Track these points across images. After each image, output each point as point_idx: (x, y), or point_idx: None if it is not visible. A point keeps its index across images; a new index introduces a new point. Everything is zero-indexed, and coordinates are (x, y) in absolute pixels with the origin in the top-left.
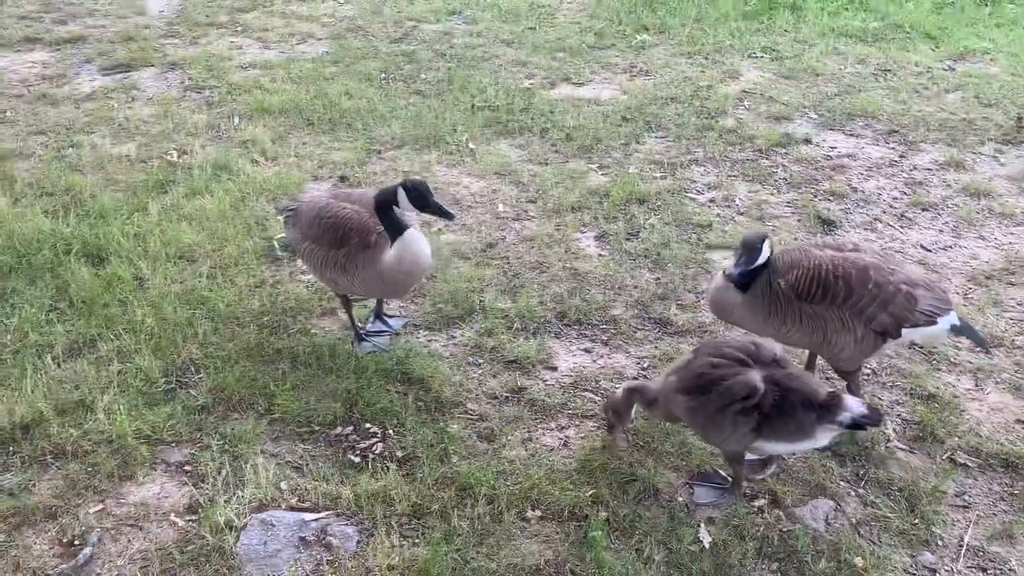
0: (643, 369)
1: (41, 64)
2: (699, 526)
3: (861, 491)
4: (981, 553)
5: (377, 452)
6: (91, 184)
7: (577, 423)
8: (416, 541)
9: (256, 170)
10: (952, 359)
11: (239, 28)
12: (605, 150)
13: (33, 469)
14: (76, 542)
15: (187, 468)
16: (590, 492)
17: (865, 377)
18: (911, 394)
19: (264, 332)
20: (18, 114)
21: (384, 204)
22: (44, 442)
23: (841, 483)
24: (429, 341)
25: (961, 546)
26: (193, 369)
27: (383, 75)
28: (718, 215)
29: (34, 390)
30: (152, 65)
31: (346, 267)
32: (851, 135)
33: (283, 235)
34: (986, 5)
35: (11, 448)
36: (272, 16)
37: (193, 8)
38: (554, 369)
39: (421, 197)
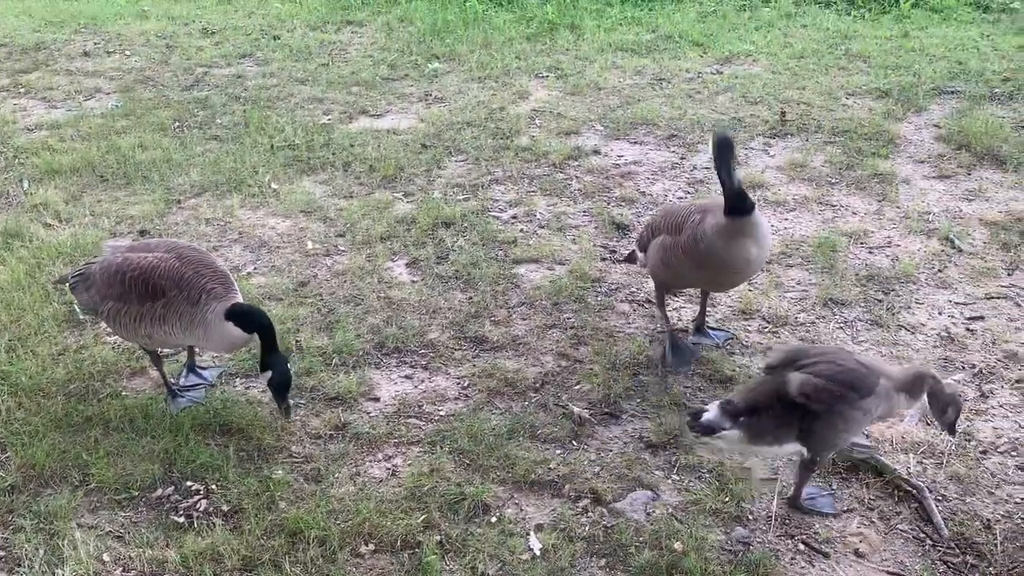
0: (463, 388)
1: None
2: (528, 535)
3: (675, 478)
4: (788, 521)
5: (201, 509)
6: None
7: (404, 450)
8: None
9: (50, 234)
10: (744, 341)
11: (22, 89)
12: (408, 178)
13: None
14: None
15: (0, 554)
16: (421, 518)
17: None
18: (710, 379)
19: (72, 401)
20: None
21: None
22: None
23: (656, 473)
24: (247, 388)
25: (770, 517)
26: None
27: (176, 123)
28: (521, 230)
29: None
30: None
31: (165, 317)
32: (636, 143)
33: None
34: (745, 10)
35: None
36: (56, 74)
37: None
38: (376, 400)
39: None
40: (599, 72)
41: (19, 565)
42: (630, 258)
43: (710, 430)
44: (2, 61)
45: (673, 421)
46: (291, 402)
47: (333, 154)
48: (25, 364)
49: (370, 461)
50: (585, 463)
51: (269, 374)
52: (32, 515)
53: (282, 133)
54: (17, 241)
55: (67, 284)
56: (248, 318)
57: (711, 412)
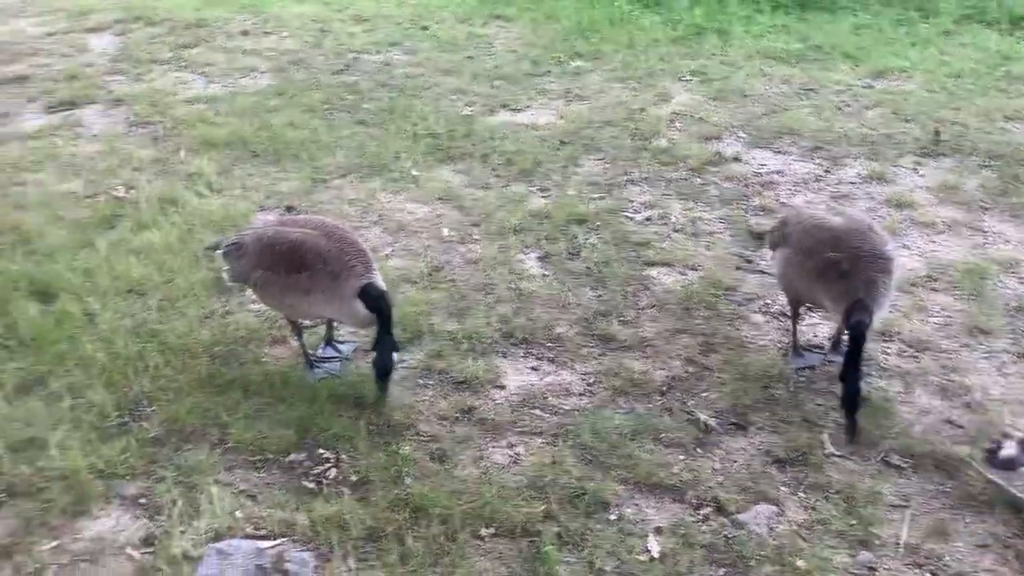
0: (589, 385)
1: None
2: (647, 536)
3: (801, 495)
4: (917, 550)
5: (331, 477)
6: (37, 222)
7: (526, 440)
8: (372, 564)
9: (202, 202)
10: (882, 364)
11: (183, 64)
12: (545, 173)
13: None
14: None
15: (142, 501)
16: (541, 508)
17: (800, 383)
18: None
19: (216, 362)
20: None
21: None
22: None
23: (782, 488)
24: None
25: (898, 544)
26: (146, 402)
27: (325, 106)
28: (655, 233)
29: None
30: (96, 102)
31: (309, 289)
32: (778, 152)
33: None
34: (902, 25)
35: None
36: (215, 51)
37: (136, 46)
38: (502, 388)
39: None
40: (745, 79)
41: (159, 513)
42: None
43: (1010, 465)
44: (166, 36)
45: (803, 438)
46: (389, 385)
47: (472, 145)
48: (174, 324)
49: (493, 447)
50: (708, 471)
51: (375, 355)
52: (173, 467)
53: (425, 121)
54: (172, 207)
55: (220, 251)
56: (370, 298)
57: (1011, 448)
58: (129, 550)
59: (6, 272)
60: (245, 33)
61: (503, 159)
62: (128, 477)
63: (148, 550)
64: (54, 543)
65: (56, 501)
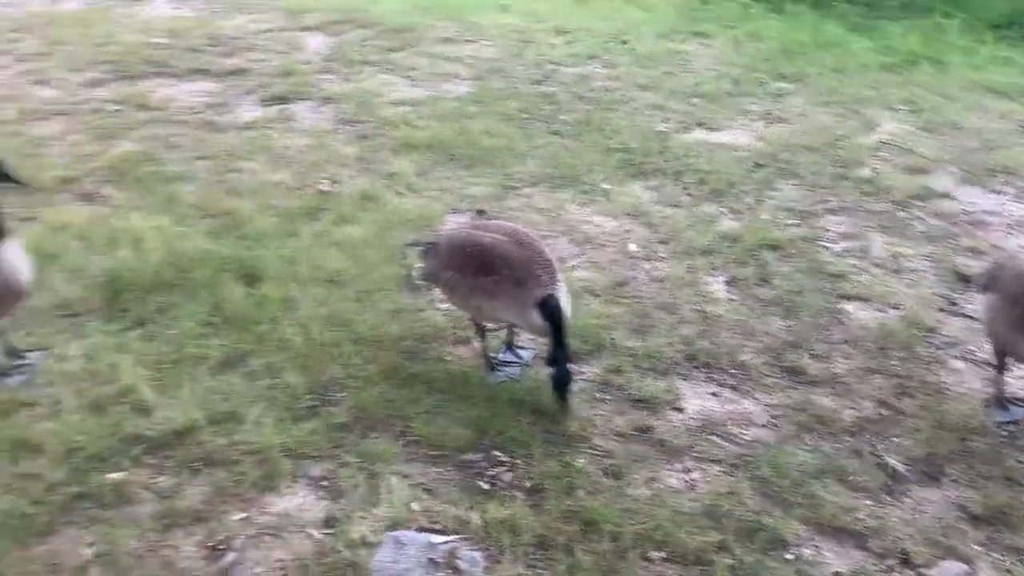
0: (772, 417)
1: (206, 94)
2: None
3: (996, 556)
4: None
5: (505, 480)
6: (249, 208)
7: (703, 466)
8: (541, 572)
9: (401, 201)
10: None
11: (390, 66)
12: (737, 195)
13: (184, 474)
14: (221, 547)
15: (326, 483)
16: (715, 538)
17: (1002, 437)
18: None
19: (403, 356)
20: (184, 139)
21: None
22: (196, 449)
23: (975, 547)
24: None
25: None
26: (336, 388)
27: (522, 115)
28: (852, 265)
29: (189, 399)
30: (308, 99)
31: (494, 293)
32: (993, 191)
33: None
34: None
35: (166, 453)
36: (420, 56)
37: (347, 47)
38: (681, 411)
39: None
40: (960, 111)
41: (341, 496)
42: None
43: None
44: (375, 39)
45: (1002, 495)
46: (568, 397)
47: (665, 162)
48: (367, 316)
49: (668, 469)
50: (896, 520)
51: (551, 370)
52: (357, 454)
53: (619, 136)
54: (372, 204)
55: (418, 248)
56: (546, 309)
57: None
58: (311, 529)
59: (218, 254)
60: (448, 40)
61: (696, 178)
62: (315, 458)
63: (328, 531)
64: (243, 514)
65: (248, 474)
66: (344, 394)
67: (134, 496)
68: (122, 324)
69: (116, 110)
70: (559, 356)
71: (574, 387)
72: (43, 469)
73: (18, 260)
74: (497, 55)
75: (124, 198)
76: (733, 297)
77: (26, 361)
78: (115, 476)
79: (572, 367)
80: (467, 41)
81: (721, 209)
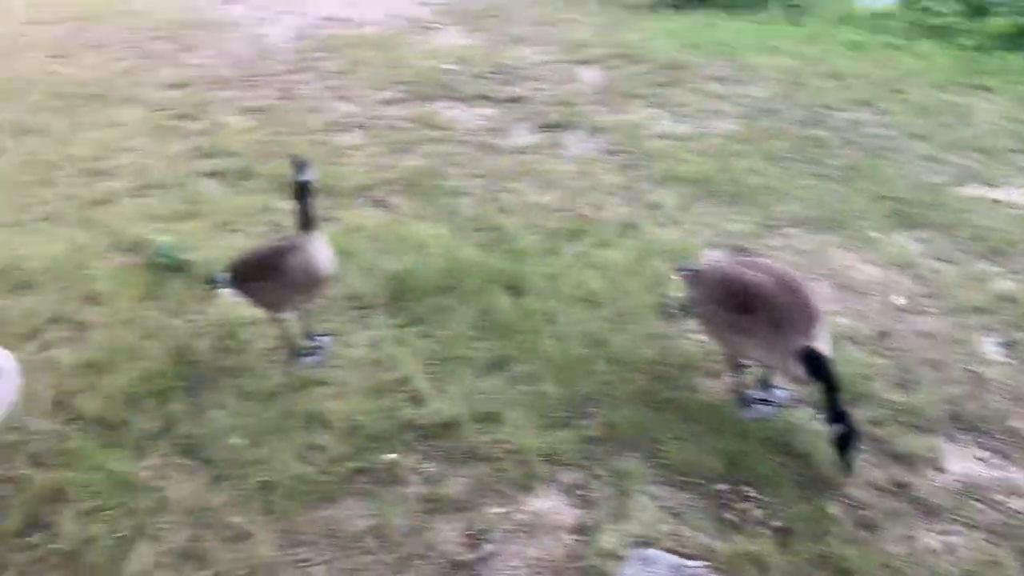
0: None
1: (486, 118)
2: None
3: None
4: None
5: (754, 516)
6: (516, 225)
7: (964, 531)
8: None
9: (660, 231)
10: None
11: (658, 101)
12: (1017, 255)
13: (449, 464)
14: (480, 537)
15: (578, 491)
16: None
17: None
18: None
19: (655, 381)
20: (464, 158)
21: None
22: (460, 442)
23: None
24: (813, 418)
25: None
26: (590, 402)
27: (788, 156)
28: None
29: (457, 395)
30: (578, 128)
31: (750, 331)
32: None
33: (680, 294)
34: None
35: (434, 442)
36: (688, 92)
37: (620, 81)
38: (942, 471)
39: None
40: None
41: (591, 507)
42: None
43: None
44: (646, 74)
45: None
46: (853, 458)
47: (938, 215)
48: (621, 338)
49: (926, 529)
50: None
51: (834, 428)
52: (607, 468)
53: (889, 184)
54: (632, 231)
55: (682, 276)
56: (815, 365)
57: None
58: (562, 533)
59: (487, 265)
60: (719, 78)
61: (970, 234)
62: (567, 466)
63: (579, 538)
64: (501, 509)
65: (507, 472)
66: (597, 409)
67: (404, 478)
68: (403, 320)
69: (407, 127)
70: (841, 413)
71: (859, 446)
72: (329, 442)
73: (324, 251)
74: (767, 95)
75: (410, 207)
76: (1009, 360)
77: (320, 344)
78: (389, 457)
79: (856, 425)
80: (736, 81)
81: (997, 268)
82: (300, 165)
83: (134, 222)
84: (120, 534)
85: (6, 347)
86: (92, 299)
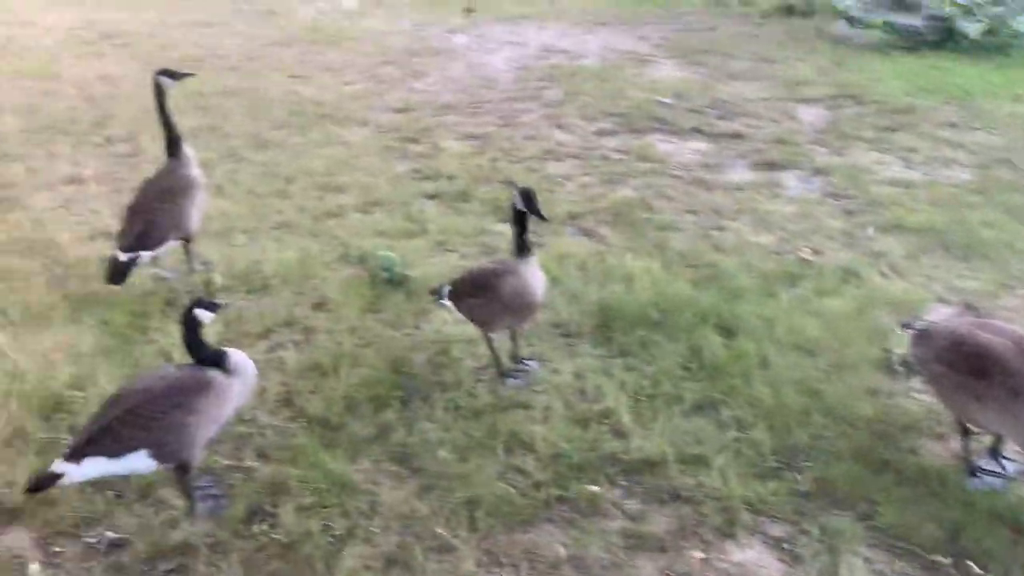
0: None
1: (701, 153)
2: None
3: None
4: None
5: None
6: (730, 264)
7: None
8: None
9: (884, 282)
10: None
11: (885, 145)
12: None
13: (652, 502)
14: None
15: (785, 546)
16: None
17: None
18: None
19: (873, 438)
20: (677, 192)
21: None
22: (663, 481)
23: None
24: None
25: None
26: (801, 454)
27: None
28: None
29: (662, 433)
30: (798, 168)
31: (982, 397)
32: None
33: (904, 350)
34: None
35: (637, 478)
36: (918, 138)
37: (843, 122)
38: None
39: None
40: None
41: (799, 562)
42: None
43: None
44: (872, 116)
45: None
46: None
47: None
48: (838, 389)
49: None
50: None
51: None
52: (817, 526)
53: None
54: (854, 279)
55: (907, 331)
56: None
57: None
58: None
59: (699, 302)
60: (951, 124)
61: None
62: (774, 518)
63: None
64: (702, 555)
65: (710, 517)
66: (809, 462)
67: (605, 511)
68: (608, 351)
69: (620, 158)
70: None
71: None
72: (532, 466)
73: (537, 277)
74: (1004, 143)
75: (619, 238)
76: None
77: (526, 367)
78: (591, 488)
79: None
80: (972, 127)
81: None
82: (523, 194)
83: (360, 236)
84: (335, 532)
85: (241, 345)
86: (320, 306)
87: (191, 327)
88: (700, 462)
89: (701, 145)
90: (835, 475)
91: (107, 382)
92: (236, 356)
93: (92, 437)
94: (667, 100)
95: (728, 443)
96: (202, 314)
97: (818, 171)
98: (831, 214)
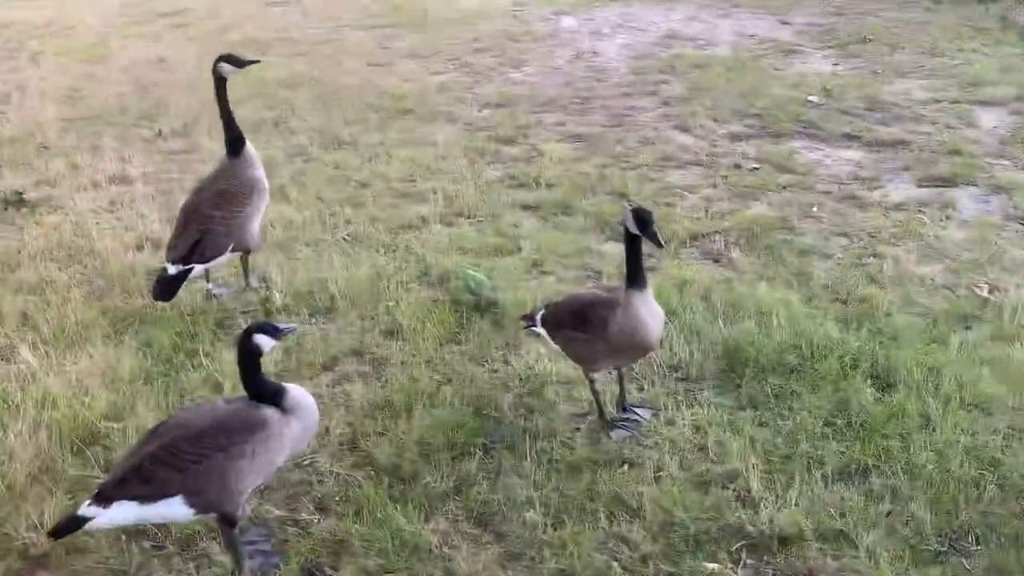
0: None
1: (855, 163)
2: None
3: None
4: None
5: None
6: (888, 300)
7: None
8: None
9: None
10: None
11: None
12: None
13: None
14: None
15: None
16: None
17: None
18: None
19: None
20: (823, 211)
21: None
22: (798, 561)
23: None
24: None
25: None
26: (970, 536)
27: None
28: None
29: (798, 503)
30: (974, 184)
31: None
32: None
33: None
34: None
35: (765, 558)
36: None
37: None
38: None
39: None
40: None
41: None
42: None
43: None
44: None
45: None
46: None
47: None
48: (1020, 458)
49: None
50: None
51: None
52: None
53: None
54: None
55: None
56: None
57: None
58: None
59: (848, 346)
60: None
61: None
62: None
63: None
64: None
65: None
66: (980, 546)
67: None
68: (735, 400)
69: (754, 168)
70: None
71: None
72: (638, 536)
73: (653, 313)
74: None
75: (751, 264)
76: None
77: (635, 416)
78: (710, 566)
79: None
80: None
81: None
82: (636, 215)
83: (443, 252)
84: None
85: (301, 376)
86: (393, 333)
87: (248, 355)
88: (843, 540)
89: (856, 155)
90: (1011, 563)
91: (148, 412)
92: (296, 393)
93: (123, 477)
94: (815, 99)
95: (879, 519)
96: (262, 340)
97: (998, 188)
98: (1015, 241)
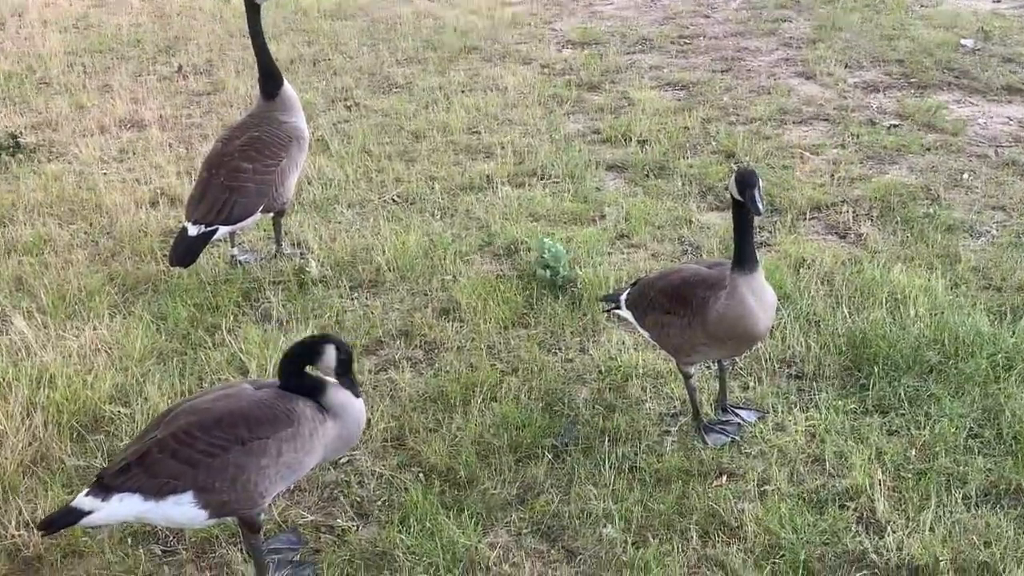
0: None
1: (1016, 122)
2: None
3: None
4: None
5: None
6: None
7: None
8: None
9: None
10: None
11: None
12: None
13: None
14: None
15: None
16: None
17: None
18: None
19: None
20: (976, 179)
21: None
22: None
23: None
24: None
25: None
26: None
27: None
28: None
29: (933, 528)
30: None
31: None
32: None
33: None
34: None
35: None
36: None
37: None
38: None
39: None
40: None
41: None
42: None
43: None
44: None
45: None
46: None
47: None
48: None
49: None
50: None
51: None
52: None
53: None
54: None
55: None
56: None
57: None
58: None
59: (1003, 342)
60: None
61: None
62: None
63: None
64: None
65: None
66: None
67: None
68: (859, 404)
69: (893, 125)
70: None
71: None
72: (736, 560)
73: (763, 297)
74: None
75: (885, 242)
76: None
77: (737, 419)
78: None
79: None
80: None
81: None
82: (739, 178)
83: (511, 218)
84: None
85: None
86: (448, 312)
87: (303, 356)
88: (990, 572)
89: (1018, 111)
90: None
91: (160, 396)
92: (340, 394)
93: (127, 466)
94: (969, 43)
95: None
96: (330, 355)
97: None
98: None
